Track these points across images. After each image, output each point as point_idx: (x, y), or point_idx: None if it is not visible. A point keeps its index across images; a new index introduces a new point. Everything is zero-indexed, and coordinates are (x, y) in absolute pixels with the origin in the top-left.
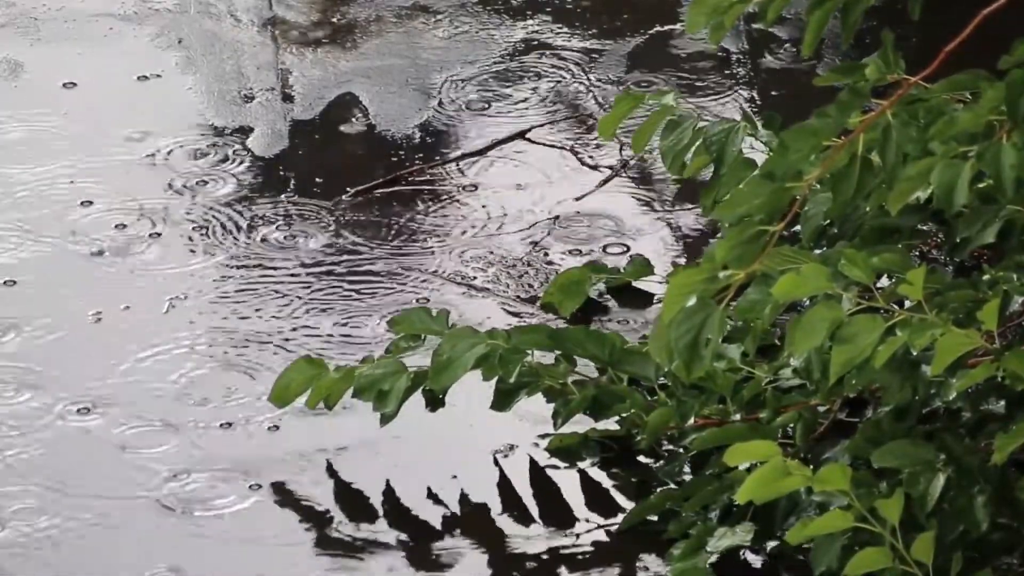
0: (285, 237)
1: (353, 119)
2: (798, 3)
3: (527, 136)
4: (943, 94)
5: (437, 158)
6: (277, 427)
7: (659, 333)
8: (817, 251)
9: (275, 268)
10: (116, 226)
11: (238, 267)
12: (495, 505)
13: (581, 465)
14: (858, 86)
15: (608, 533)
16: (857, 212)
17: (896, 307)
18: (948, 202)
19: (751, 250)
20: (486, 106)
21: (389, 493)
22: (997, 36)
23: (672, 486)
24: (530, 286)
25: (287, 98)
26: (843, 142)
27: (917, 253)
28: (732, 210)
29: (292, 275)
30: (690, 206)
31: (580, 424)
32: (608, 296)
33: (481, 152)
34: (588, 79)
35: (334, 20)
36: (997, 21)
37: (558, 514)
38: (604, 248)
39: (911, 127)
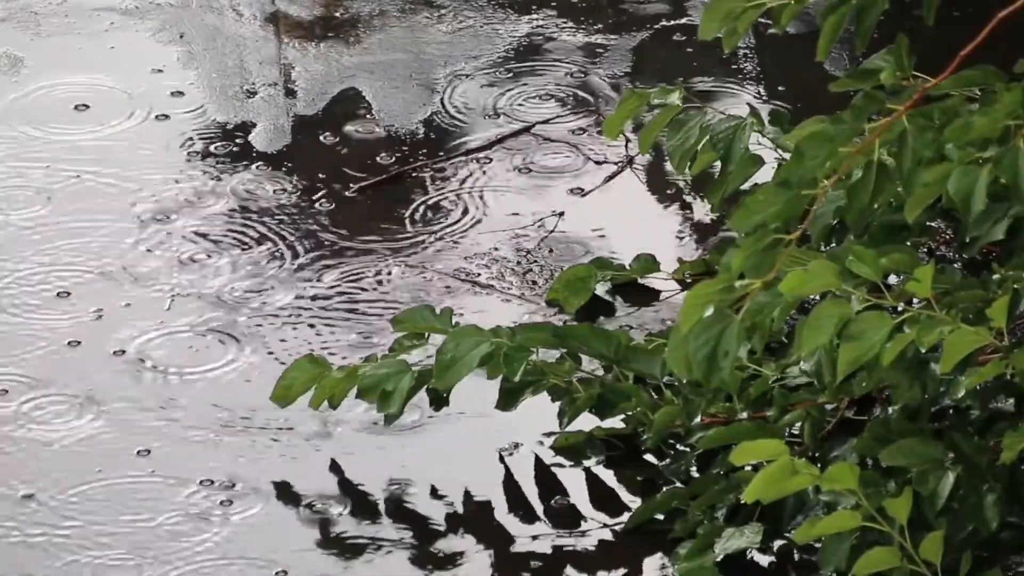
0: (287, 233)
1: (356, 114)
2: None
3: (532, 131)
4: (953, 90)
5: (441, 154)
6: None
7: (677, 345)
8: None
9: (277, 265)
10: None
11: (239, 264)
12: (500, 504)
13: (586, 463)
14: (872, 91)
15: (614, 532)
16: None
17: (905, 304)
18: (965, 208)
19: (768, 259)
20: (490, 101)
21: (392, 492)
22: (1006, 33)
23: (678, 485)
24: (535, 283)
25: (290, 93)
26: (859, 147)
27: (926, 250)
28: (748, 219)
29: (294, 272)
30: (697, 203)
31: (586, 422)
32: (614, 293)
33: (486, 147)
34: (593, 74)
35: (337, 15)
36: (1007, 18)
37: (563, 513)
38: (610, 244)
39: (927, 131)
